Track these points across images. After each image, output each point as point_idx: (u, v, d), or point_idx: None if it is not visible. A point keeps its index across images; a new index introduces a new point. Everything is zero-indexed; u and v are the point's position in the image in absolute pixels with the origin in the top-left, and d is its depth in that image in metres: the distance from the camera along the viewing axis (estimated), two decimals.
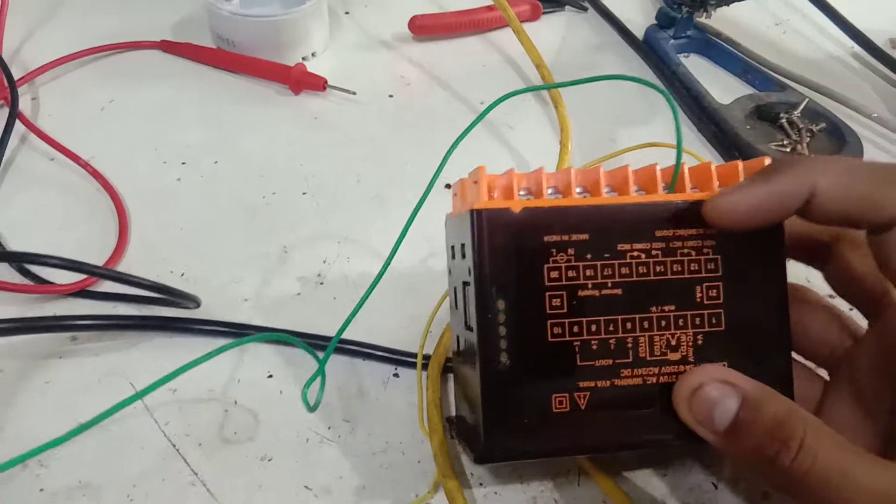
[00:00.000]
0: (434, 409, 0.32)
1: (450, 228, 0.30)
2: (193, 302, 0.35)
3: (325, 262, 0.41)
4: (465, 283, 0.27)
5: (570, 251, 0.26)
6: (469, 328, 0.27)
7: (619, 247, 0.26)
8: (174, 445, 0.32)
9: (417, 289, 0.39)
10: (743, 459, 0.25)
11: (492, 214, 0.25)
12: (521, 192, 0.27)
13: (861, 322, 0.29)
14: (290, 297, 0.39)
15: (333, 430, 0.33)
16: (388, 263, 0.31)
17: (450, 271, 0.30)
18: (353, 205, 0.44)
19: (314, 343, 0.35)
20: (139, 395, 0.26)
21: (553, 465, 0.32)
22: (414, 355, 0.35)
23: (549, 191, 0.27)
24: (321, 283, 0.40)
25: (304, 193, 0.45)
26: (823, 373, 0.30)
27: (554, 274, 0.26)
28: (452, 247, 0.29)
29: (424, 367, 0.34)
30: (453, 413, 0.33)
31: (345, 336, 0.34)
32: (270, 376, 0.35)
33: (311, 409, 0.31)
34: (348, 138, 0.49)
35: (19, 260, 0.31)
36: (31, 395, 0.34)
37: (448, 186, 0.43)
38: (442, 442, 0.31)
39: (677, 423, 0.26)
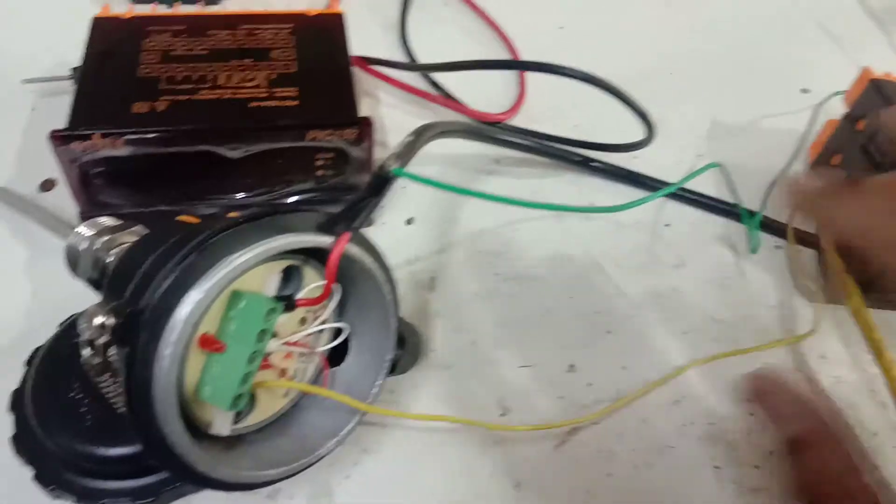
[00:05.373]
0: None
1: None
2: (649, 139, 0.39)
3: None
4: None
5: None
6: None
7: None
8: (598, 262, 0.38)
9: None
10: None
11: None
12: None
13: None
14: None
15: (730, 278, 0.38)
16: None
17: None
18: None
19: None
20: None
21: None
22: None
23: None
24: (699, 155, 0.44)
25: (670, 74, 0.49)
26: None
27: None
28: None
29: None
30: None
31: None
32: (668, 225, 0.40)
33: (755, 250, 0.36)
34: None
35: (539, 69, 0.35)
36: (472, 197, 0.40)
37: None
38: None
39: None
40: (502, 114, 0.44)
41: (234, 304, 0.22)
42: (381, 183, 0.23)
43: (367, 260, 0.24)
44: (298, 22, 0.37)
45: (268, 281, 0.23)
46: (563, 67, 0.34)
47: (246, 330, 0.22)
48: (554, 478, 0.30)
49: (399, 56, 0.48)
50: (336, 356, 0.27)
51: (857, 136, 0.38)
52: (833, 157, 0.40)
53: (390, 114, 0.44)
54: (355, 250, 0.24)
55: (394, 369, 0.30)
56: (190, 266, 0.21)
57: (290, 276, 0.24)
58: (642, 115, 0.35)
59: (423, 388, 0.32)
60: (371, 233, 0.37)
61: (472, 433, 0.31)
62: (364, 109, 0.43)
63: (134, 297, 0.21)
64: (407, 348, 0.30)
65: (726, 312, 0.36)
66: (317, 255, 0.24)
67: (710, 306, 0.36)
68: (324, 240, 0.23)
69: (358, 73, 0.44)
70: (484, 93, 0.45)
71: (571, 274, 0.37)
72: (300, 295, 0.24)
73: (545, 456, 0.30)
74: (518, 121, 0.44)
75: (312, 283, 0.24)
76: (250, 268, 0.21)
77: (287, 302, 0.24)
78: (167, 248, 0.22)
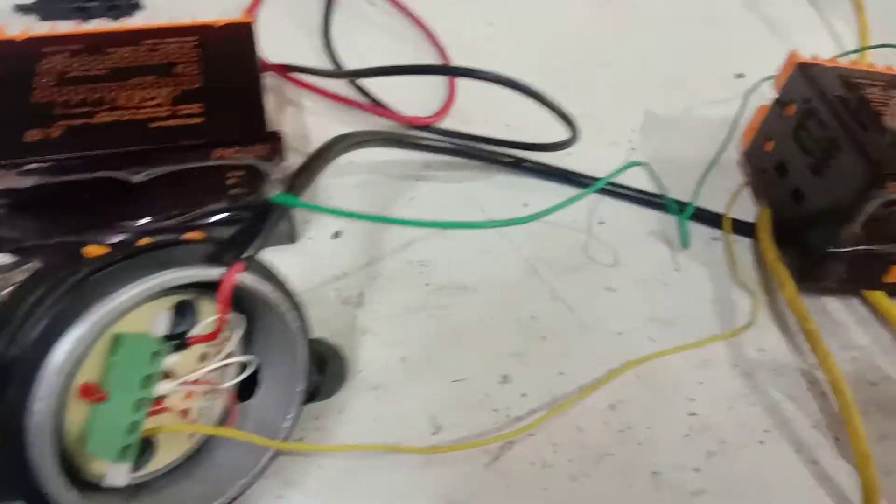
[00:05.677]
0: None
1: None
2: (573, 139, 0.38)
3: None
4: None
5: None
6: None
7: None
8: (532, 265, 0.37)
9: None
10: None
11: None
12: None
13: None
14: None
15: (665, 275, 0.37)
16: None
17: None
18: None
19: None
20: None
21: None
22: None
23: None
24: (633, 149, 0.43)
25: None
26: None
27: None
28: None
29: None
30: None
31: None
32: (602, 222, 0.39)
33: (685, 245, 0.35)
34: None
35: (456, 73, 0.34)
36: (400, 205, 0.39)
37: None
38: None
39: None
40: (431, 117, 0.42)
41: (116, 349, 0.20)
42: (264, 210, 0.22)
43: (265, 288, 0.23)
44: (204, 34, 0.35)
45: (156, 319, 0.22)
46: (483, 71, 0.33)
47: (129, 376, 0.20)
48: (489, 496, 0.29)
49: (325, 61, 0.46)
50: (248, 389, 0.26)
51: (787, 121, 0.38)
52: (766, 143, 0.40)
53: (316, 122, 0.42)
54: (250, 279, 0.22)
55: (316, 396, 0.28)
56: (61, 312, 0.19)
57: (184, 310, 0.23)
58: (563, 117, 0.34)
59: (351, 411, 0.31)
60: (296, 249, 0.36)
61: (402, 455, 0.30)
62: (287, 119, 0.42)
63: (5, 347, 0.20)
64: (329, 372, 0.29)
65: (662, 310, 0.35)
66: (212, 288, 0.23)
67: (645, 304, 0.36)
68: (212, 272, 0.21)
69: (280, 83, 0.42)
70: (413, 95, 0.44)
71: (504, 279, 0.36)
72: (195, 331, 0.23)
73: (479, 474, 0.29)
74: (449, 123, 0.43)
75: (210, 316, 0.23)
76: (129, 309, 0.20)
77: (180, 340, 0.22)
78: (43, 292, 0.21)
